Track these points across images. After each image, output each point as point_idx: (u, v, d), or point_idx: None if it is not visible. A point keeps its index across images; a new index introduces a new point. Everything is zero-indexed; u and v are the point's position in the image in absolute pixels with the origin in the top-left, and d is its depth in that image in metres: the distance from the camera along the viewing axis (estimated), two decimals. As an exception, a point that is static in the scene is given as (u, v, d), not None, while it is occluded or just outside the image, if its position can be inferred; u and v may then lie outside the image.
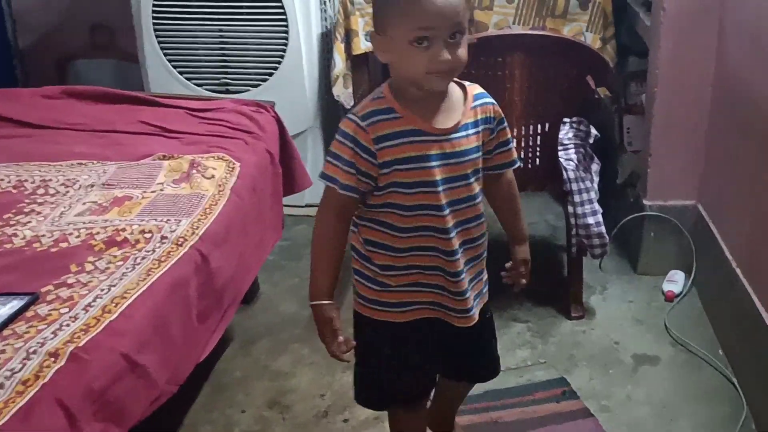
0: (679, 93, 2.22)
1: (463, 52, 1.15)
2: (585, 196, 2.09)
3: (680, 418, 1.79)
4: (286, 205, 2.35)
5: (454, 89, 1.25)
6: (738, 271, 1.94)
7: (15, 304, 1.21)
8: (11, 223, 1.56)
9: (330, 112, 2.90)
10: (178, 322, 1.35)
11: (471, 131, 1.24)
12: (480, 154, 1.27)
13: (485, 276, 1.39)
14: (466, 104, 1.24)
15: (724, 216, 2.13)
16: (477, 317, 1.34)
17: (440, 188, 1.23)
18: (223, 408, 1.87)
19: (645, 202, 2.36)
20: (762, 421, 1.71)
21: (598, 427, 1.75)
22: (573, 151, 2.18)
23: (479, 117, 1.25)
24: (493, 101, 1.28)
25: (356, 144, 1.20)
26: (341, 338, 1.27)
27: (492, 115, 1.28)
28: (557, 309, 2.22)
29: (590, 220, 2.08)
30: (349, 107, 2.74)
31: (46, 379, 1.05)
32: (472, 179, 1.27)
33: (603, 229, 2.09)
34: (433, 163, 1.21)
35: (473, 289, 1.33)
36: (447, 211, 1.25)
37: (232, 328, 2.16)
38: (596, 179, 2.17)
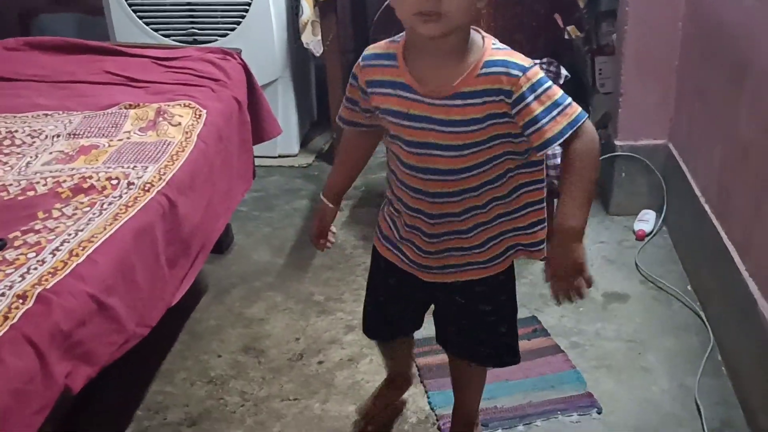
0: (650, 31, 2.22)
1: (451, 5, 1.04)
2: (555, 136, 2.09)
3: (649, 350, 1.84)
4: (258, 156, 2.34)
5: (471, 49, 1.12)
6: (707, 207, 1.96)
7: None
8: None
9: (299, 60, 2.87)
10: (146, 267, 1.35)
11: (472, 101, 1.12)
12: (486, 124, 1.13)
13: (483, 254, 1.27)
14: (473, 70, 1.11)
15: (693, 154, 2.15)
16: (444, 280, 1.29)
17: (417, 150, 1.17)
18: (199, 354, 1.88)
19: (616, 142, 2.37)
20: (727, 350, 1.76)
21: (567, 362, 1.79)
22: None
23: (483, 87, 1.11)
24: (511, 71, 1.10)
25: (355, 80, 1.22)
26: (324, 235, 1.37)
27: (506, 87, 1.10)
28: (530, 250, 2.25)
29: (560, 160, 2.09)
30: (318, 55, 2.71)
31: (15, 320, 1.05)
32: (466, 152, 1.15)
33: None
34: (414, 123, 1.15)
35: (450, 256, 1.27)
36: (425, 176, 1.19)
37: (206, 278, 2.17)
38: (567, 120, 2.17)
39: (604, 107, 2.55)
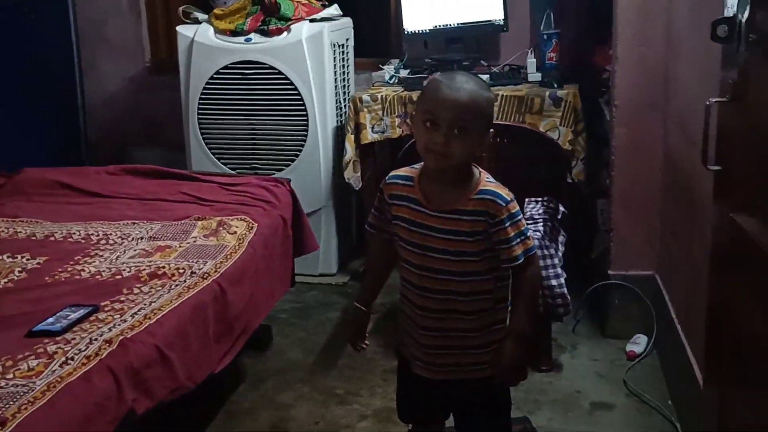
0: (634, 176, 2.62)
1: (458, 145, 1.39)
2: (549, 261, 2.44)
3: (625, 451, 2.07)
4: (302, 274, 2.75)
5: (470, 179, 1.46)
6: (679, 328, 2.25)
7: (82, 311, 1.65)
8: (80, 263, 2.01)
9: (341, 193, 3.35)
10: (198, 335, 1.74)
11: (462, 218, 1.44)
12: (470, 239, 1.44)
13: (470, 356, 1.51)
14: (469, 194, 1.44)
15: (671, 282, 2.46)
16: (441, 376, 1.53)
17: (418, 251, 1.48)
18: (233, 430, 2.21)
19: (609, 272, 2.70)
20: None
21: (549, 454, 2.03)
22: (541, 224, 2.57)
23: (474, 208, 1.43)
24: (497, 200, 1.42)
25: (381, 194, 1.57)
26: (362, 338, 1.63)
27: (491, 211, 1.43)
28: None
29: (553, 282, 2.43)
30: (357, 189, 3.19)
31: (103, 357, 1.46)
32: (454, 258, 1.45)
33: (565, 290, 2.43)
34: (419, 230, 1.48)
35: (445, 353, 1.52)
36: (420, 272, 1.48)
37: (245, 369, 2.53)
38: (561, 249, 2.53)
39: (604, 243, 2.90)
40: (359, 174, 3.16)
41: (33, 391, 1.36)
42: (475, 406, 1.60)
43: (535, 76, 3.11)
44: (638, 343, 2.61)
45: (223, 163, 3.26)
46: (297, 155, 3.19)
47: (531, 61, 3.13)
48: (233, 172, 3.22)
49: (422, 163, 1.52)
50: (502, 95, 2.94)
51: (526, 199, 2.52)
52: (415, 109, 1.49)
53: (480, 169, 1.52)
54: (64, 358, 1.47)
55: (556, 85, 2.96)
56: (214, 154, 3.27)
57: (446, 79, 1.45)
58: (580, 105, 2.90)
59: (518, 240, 1.45)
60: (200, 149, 3.28)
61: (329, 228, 3.29)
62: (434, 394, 1.61)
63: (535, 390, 2.40)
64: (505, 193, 1.47)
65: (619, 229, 2.67)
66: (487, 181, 1.48)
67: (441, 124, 1.40)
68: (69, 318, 1.64)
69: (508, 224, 1.44)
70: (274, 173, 3.19)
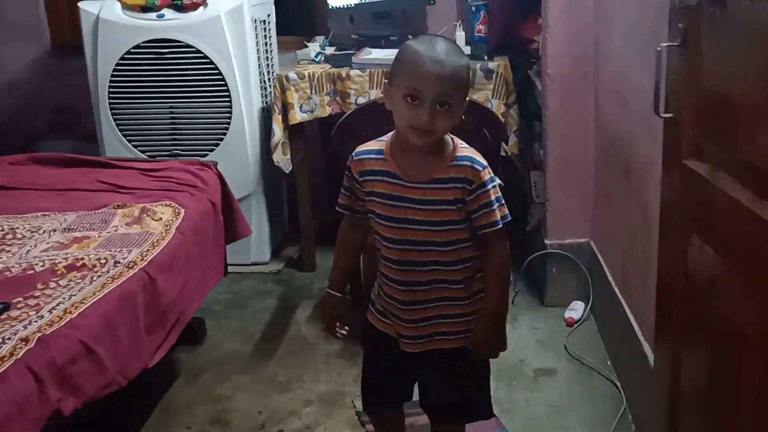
0: (567, 146, 2.62)
1: (443, 120, 1.34)
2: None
3: (570, 414, 2.07)
4: (234, 264, 2.62)
5: (445, 147, 1.41)
6: (617, 291, 2.27)
7: None
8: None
9: (271, 177, 3.23)
10: (127, 327, 1.61)
11: (443, 186, 1.39)
12: (453, 207, 1.40)
13: (456, 325, 1.48)
14: (445, 162, 1.39)
15: (607, 248, 2.48)
16: (425, 348, 1.49)
17: (398, 225, 1.43)
18: (170, 427, 2.08)
19: (546, 241, 2.70)
20: (635, 410, 2.00)
21: (498, 424, 2.01)
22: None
23: (453, 175, 1.38)
24: (475, 165, 1.39)
25: (350, 172, 1.49)
26: (341, 324, 1.55)
27: (469, 177, 1.39)
28: (473, 338, 2.50)
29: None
30: (287, 171, 3.07)
31: (19, 356, 1.30)
32: (439, 228, 1.41)
33: (506, 262, 2.41)
34: (398, 203, 1.42)
35: (427, 324, 1.48)
36: (402, 246, 1.43)
37: (179, 365, 2.39)
38: (499, 220, 2.50)
39: (539, 215, 2.90)
40: (289, 156, 3.05)
41: (-59, 399, 1.21)
42: (456, 374, 1.54)
43: (464, 49, 3.04)
44: (576, 309, 2.63)
45: (141, 151, 3.07)
46: (222, 139, 3.04)
47: (460, 34, 3.08)
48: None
49: (390, 134, 1.46)
50: (432, 69, 2.89)
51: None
52: (389, 80, 1.40)
53: (452, 135, 1.45)
54: (-25, 358, 1.31)
55: (486, 58, 2.93)
56: (130, 141, 3.08)
57: (426, 48, 1.35)
58: (511, 77, 2.88)
59: (498, 204, 1.42)
60: (114, 137, 3.08)
61: (260, 214, 3.17)
62: (410, 369, 1.55)
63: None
64: (479, 157, 1.43)
65: (554, 199, 2.67)
66: (461, 147, 1.44)
67: (425, 100, 1.33)
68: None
69: (489, 187, 1.41)
70: (197, 159, 3.03)
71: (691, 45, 1.17)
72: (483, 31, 3.12)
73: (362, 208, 1.50)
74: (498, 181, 1.44)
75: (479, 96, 2.89)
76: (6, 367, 1.28)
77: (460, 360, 1.50)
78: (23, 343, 1.35)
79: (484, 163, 1.42)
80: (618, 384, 2.17)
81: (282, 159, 3.04)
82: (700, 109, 1.17)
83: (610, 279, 2.36)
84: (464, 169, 1.39)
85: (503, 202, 1.44)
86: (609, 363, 2.31)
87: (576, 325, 2.55)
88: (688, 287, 1.31)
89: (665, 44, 1.21)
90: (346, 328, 1.55)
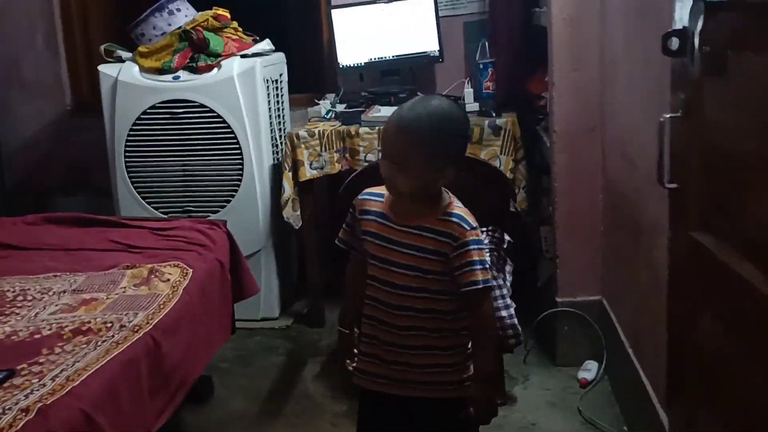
0: (576, 202, 2.61)
1: (401, 177, 1.42)
2: (497, 292, 2.38)
3: (583, 481, 2.01)
4: (242, 319, 2.62)
5: (439, 201, 1.48)
6: (630, 351, 2.22)
7: None
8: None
9: (281, 233, 3.24)
10: (130, 393, 1.59)
11: (428, 234, 1.45)
12: (433, 258, 1.45)
13: (444, 376, 1.51)
14: (436, 214, 1.46)
15: (619, 307, 2.44)
16: (407, 392, 1.51)
17: (383, 265, 1.50)
18: (174, 493, 2.04)
19: (557, 299, 2.67)
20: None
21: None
22: (487, 254, 2.51)
23: (439, 228, 1.44)
24: (463, 224, 1.44)
25: (353, 209, 1.59)
26: (349, 359, 1.61)
27: (455, 234, 1.43)
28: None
29: (503, 313, 2.36)
30: (297, 228, 3.08)
31: (18, 428, 1.29)
32: (413, 273, 1.46)
33: (515, 321, 2.37)
34: (384, 243, 1.50)
35: (412, 371, 1.50)
36: (385, 288, 1.50)
37: (185, 425, 2.36)
38: (509, 278, 2.47)
39: (549, 270, 2.88)
40: (298, 212, 3.06)
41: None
42: (442, 428, 1.55)
43: (472, 105, 3.09)
44: (589, 370, 2.58)
45: (154, 208, 3.10)
46: (233, 195, 3.07)
47: (468, 91, 3.12)
48: (165, 216, 3.07)
49: None
50: (440, 126, 2.91)
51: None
52: None
53: (450, 194, 1.52)
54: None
55: (494, 114, 2.95)
56: (144, 198, 3.11)
57: (403, 106, 1.45)
58: (519, 133, 2.90)
59: (480, 266, 1.45)
60: (129, 194, 3.11)
61: (270, 270, 3.17)
62: (400, 418, 1.56)
63: (488, 426, 2.31)
64: (471, 219, 1.48)
65: (564, 255, 2.65)
66: (456, 205, 1.50)
67: (386, 157, 1.44)
68: None
69: (472, 247, 1.44)
70: (210, 215, 3.05)
71: (694, 116, 1.17)
72: (491, 88, 3.16)
73: (359, 245, 1.57)
74: (484, 244, 1.50)
75: (487, 152, 2.91)
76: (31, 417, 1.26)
77: (446, 413, 1.52)
78: (23, 413, 1.34)
79: (474, 224, 1.47)
80: (633, 450, 2.12)
81: (292, 215, 3.05)
82: (705, 180, 1.17)
83: (623, 339, 2.32)
84: (452, 225, 1.45)
85: (487, 266, 1.47)
86: (625, 428, 2.25)
87: (590, 387, 2.50)
88: (699, 357, 1.28)
89: (668, 115, 1.21)
90: (356, 360, 1.58)
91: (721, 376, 1.19)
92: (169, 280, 2.06)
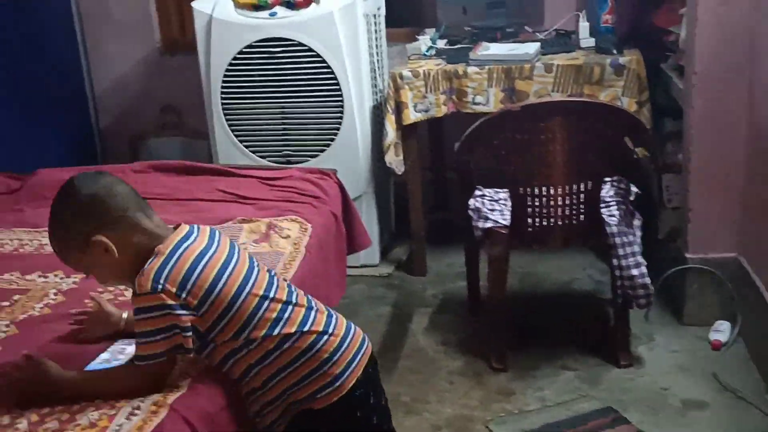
0: (714, 150, 2.38)
1: (95, 278, 1.37)
2: (628, 249, 2.23)
3: (730, 456, 1.88)
4: (343, 266, 2.53)
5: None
6: (778, 315, 2.05)
7: None
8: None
9: (381, 178, 3.12)
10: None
11: None
12: None
13: None
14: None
15: (763, 264, 2.24)
16: None
17: None
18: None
19: (687, 255, 2.48)
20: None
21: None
22: (615, 207, 2.34)
23: None
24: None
25: None
26: None
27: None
28: (605, 358, 2.34)
29: (634, 271, 2.21)
30: (400, 173, 2.95)
31: (171, 402, 1.25)
32: None
33: (647, 280, 2.22)
34: None
35: None
36: None
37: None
38: (639, 234, 2.31)
39: (671, 222, 2.68)
40: (401, 157, 2.92)
41: (103, 454, 1.15)
42: None
43: (588, 41, 2.85)
44: (721, 331, 2.41)
45: (251, 151, 3.01)
46: (333, 139, 2.94)
47: (583, 26, 2.87)
48: (263, 160, 2.98)
49: None
50: (557, 64, 2.70)
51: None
52: None
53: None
54: (129, 408, 1.25)
55: (615, 51, 2.71)
56: (241, 141, 3.01)
57: None
58: (644, 73, 2.66)
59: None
60: (226, 137, 3.02)
61: (370, 216, 3.06)
62: None
63: (616, 388, 2.21)
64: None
65: (697, 209, 2.44)
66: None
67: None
68: (125, 352, 1.42)
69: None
70: (308, 160, 2.95)
71: None
72: (610, 21, 2.89)
73: None
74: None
75: (607, 94, 2.68)
76: (162, 417, 1.21)
77: None
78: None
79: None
80: (783, 423, 1.97)
81: (395, 160, 2.92)
82: None
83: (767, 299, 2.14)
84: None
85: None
86: (767, 396, 2.09)
87: (723, 349, 2.34)
88: None
89: None
90: None
91: None
92: (289, 236, 1.97)
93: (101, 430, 1.21)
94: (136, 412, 1.25)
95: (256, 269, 1.37)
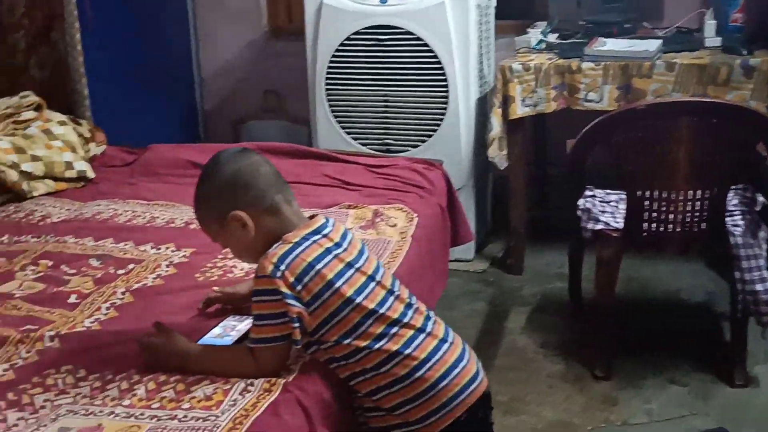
0: None
1: (230, 251, 1.38)
2: (753, 262, 2.08)
3: None
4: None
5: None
6: None
7: (250, 319, 1.38)
8: (229, 256, 1.76)
9: (481, 172, 3.05)
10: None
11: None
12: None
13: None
14: None
15: None
16: None
17: None
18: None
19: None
20: None
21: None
22: (739, 217, 2.19)
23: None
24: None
25: None
26: None
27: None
28: (717, 375, 2.20)
29: (758, 287, 2.07)
30: (502, 168, 2.88)
31: (287, 381, 1.25)
32: None
33: (774, 296, 2.07)
34: None
35: None
36: None
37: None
38: (765, 246, 2.15)
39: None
40: (505, 152, 2.84)
41: (219, 428, 1.14)
42: None
43: (714, 40, 2.69)
44: None
45: (352, 138, 3.00)
46: (435, 131, 2.90)
47: (710, 24, 2.71)
48: (364, 148, 2.97)
49: None
50: (679, 63, 2.56)
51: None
52: None
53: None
54: (243, 384, 1.25)
55: (745, 52, 2.54)
56: (342, 128, 3.01)
57: None
58: (777, 75, 2.48)
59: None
60: (328, 123, 3.03)
61: (469, 210, 2.97)
62: None
63: (730, 407, 2.07)
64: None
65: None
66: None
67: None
68: (237, 329, 1.42)
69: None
70: (408, 150, 2.92)
71: None
72: (740, 20, 2.72)
73: None
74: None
75: (734, 96, 2.52)
76: (276, 395, 1.20)
77: None
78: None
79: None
80: None
81: (498, 155, 2.84)
82: None
83: None
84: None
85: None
86: None
87: None
88: None
89: None
90: None
91: None
92: (396, 225, 1.94)
93: (216, 404, 1.21)
94: (250, 388, 1.24)
95: (373, 284, 1.31)
